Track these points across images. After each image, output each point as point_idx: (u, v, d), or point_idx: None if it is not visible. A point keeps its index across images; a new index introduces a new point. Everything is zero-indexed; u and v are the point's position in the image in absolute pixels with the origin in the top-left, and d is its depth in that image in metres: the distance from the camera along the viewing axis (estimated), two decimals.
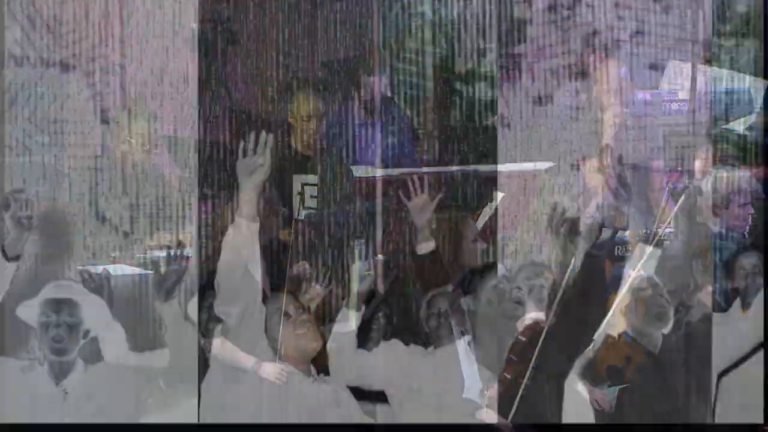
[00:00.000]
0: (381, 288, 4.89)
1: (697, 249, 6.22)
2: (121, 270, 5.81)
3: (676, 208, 5.49)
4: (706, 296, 5.84)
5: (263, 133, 4.41)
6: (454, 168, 6.81)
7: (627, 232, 4.96)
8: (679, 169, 6.18)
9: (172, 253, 5.01)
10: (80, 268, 5.84)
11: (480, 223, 6.05)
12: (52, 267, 6.24)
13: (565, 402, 4.74)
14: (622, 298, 5.05)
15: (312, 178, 6.61)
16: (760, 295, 5.30)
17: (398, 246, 6.63)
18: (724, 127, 6.46)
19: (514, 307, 4.69)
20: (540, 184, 6.33)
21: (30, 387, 4.83)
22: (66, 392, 4.82)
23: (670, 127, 6.98)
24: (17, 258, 5.02)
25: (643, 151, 6.82)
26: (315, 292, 5.75)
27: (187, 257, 5.09)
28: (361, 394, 4.94)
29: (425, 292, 5.55)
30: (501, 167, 6.45)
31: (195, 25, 6.36)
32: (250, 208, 4.35)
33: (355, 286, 4.97)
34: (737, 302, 5.95)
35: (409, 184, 5.69)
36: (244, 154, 4.37)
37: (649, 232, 5.63)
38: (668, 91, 6.94)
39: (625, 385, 5.08)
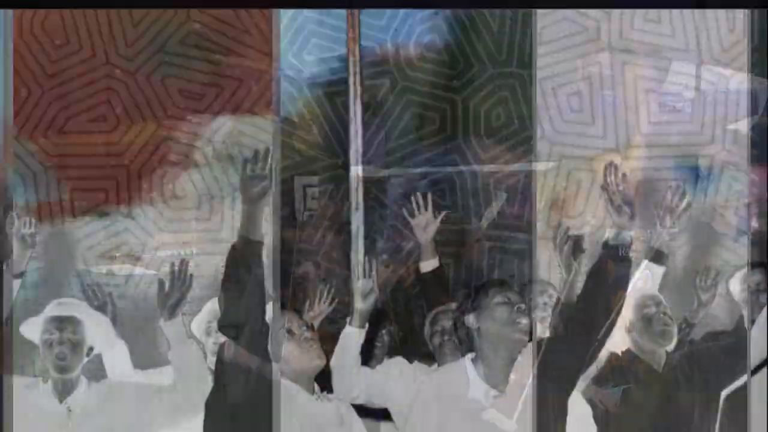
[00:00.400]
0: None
1: (700, 266, 6.24)
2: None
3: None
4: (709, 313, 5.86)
5: (265, 148, 4.40)
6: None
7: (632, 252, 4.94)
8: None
9: (176, 271, 5.01)
10: (85, 285, 5.87)
11: (485, 223, 6.04)
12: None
13: (569, 419, 4.74)
14: (625, 315, 5.04)
15: (313, 180, 6.65)
16: (764, 313, 5.29)
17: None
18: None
19: (518, 324, 4.68)
20: None
21: (34, 405, 4.82)
22: (70, 410, 4.81)
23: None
24: (21, 275, 5.03)
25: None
26: (319, 309, 5.76)
27: (191, 275, 5.09)
28: (364, 411, 4.94)
29: (429, 309, 5.56)
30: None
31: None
32: (253, 224, 4.35)
33: (358, 304, 4.96)
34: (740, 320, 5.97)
35: (413, 201, 5.69)
36: (246, 170, 4.36)
37: (652, 248, 5.64)
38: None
39: (629, 386, 5.08)
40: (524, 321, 4.67)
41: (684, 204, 5.54)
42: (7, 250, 5.01)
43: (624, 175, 4.65)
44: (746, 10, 6.86)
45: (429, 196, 5.79)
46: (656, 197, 5.69)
